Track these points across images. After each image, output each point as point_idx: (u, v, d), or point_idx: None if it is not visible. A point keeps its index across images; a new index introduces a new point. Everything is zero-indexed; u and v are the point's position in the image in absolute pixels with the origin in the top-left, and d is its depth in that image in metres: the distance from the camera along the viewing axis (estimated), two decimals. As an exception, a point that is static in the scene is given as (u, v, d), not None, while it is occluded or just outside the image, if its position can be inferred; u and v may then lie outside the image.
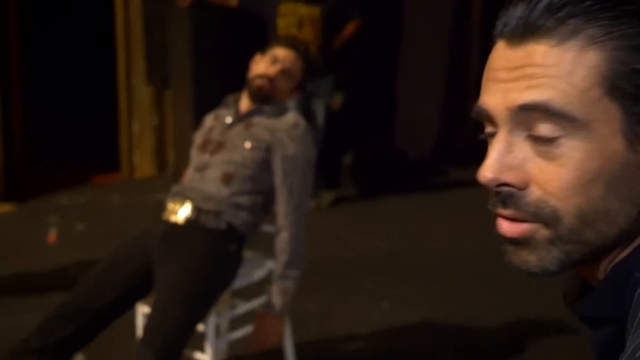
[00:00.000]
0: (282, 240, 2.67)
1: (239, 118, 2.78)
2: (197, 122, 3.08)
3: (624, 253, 0.80)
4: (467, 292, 3.96)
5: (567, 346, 3.28)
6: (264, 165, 2.69)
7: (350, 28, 5.56)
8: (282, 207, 2.68)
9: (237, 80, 3.29)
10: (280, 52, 2.82)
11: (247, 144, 2.69)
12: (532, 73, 0.77)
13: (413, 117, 6.76)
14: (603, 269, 0.81)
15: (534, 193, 0.77)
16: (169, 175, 6.69)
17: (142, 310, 2.76)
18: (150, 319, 2.44)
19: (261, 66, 2.80)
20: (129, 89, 6.82)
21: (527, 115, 0.77)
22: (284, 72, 2.80)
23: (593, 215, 0.76)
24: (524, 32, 0.78)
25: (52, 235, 4.86)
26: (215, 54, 5.79)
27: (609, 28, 0.75)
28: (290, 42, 2.91)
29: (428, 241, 4.87)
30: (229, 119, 2.80)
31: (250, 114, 2.78)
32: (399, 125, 6.83)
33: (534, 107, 0.76)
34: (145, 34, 6.65)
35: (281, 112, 2.79)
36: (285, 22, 5.27)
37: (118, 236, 4.93)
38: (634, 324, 0.74)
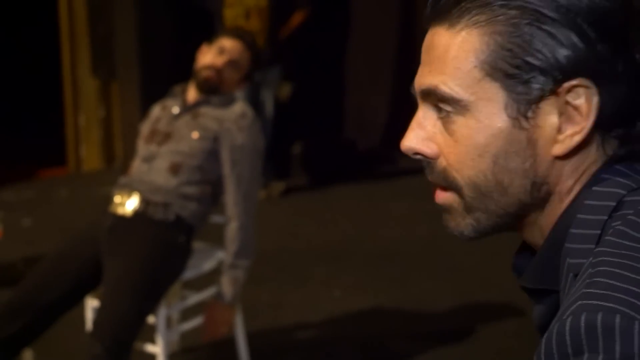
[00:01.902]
0: (232, 230, 2.66)
1: (186, 108, 2.77)
2: (145, 113, 3.05)
3: (550, 219, 0.83)
4: (417, 279, 3.99)
5: (515, 328, 3.33)
6: (212, 155, 2.68)
7: (297, 18, 5.56)
8: (230, 196, 2.67)
9: (184, 70, 3.26)
10: (227, 43, 2.81)
11: (195, 134, 2.68)
12: (432, 57, 0.84)
13: (361, 107, 6.78)
14: (538, 234, 0.85)
15: (441, 163, 0.85)
16: (117, 168, 6.61)
17: (92, 304, 2.73)
18: (99, 312, 2.42)
19: (208, 57, 2.79)
20: (74, 81, 6.71)
21: (429, 96, 0.84)
22: (231, 63, 2.79)
23: (486, 187, 0.82)
24: (432, 15, 0.84)
25: (-2, 231, 4.76)
26: (161, 45, 5.73)
27: (495, 12, 0.79)
28: (237, 33, 2.90)
29: (377, 229, 4.90)
30: (176, 109, 2.78)
31: (197, 104, 2.77)
32: (347, 115, 6.84)
33: (428, 91, 0.84)
34: (90, 25, 6.55)
35: (229, 102, 2.78)
36: (232, 13, 5.25)
37: (66, 231, 4.85)
38: (564, 293, 0.77)
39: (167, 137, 2.71)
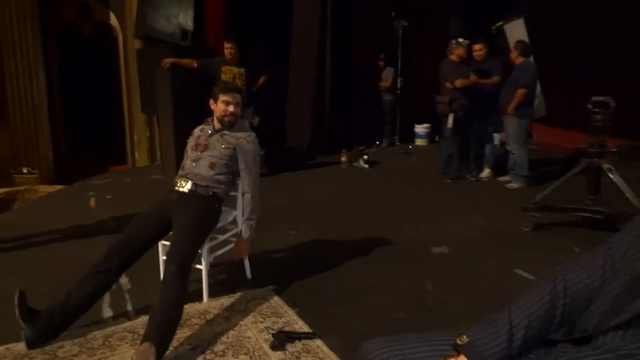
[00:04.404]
0: (247, 199, 2.63)
1: (216, 131, 2.70)
2: (176, 135, 2.79)
3: None
4: (343, 224, 3.91)
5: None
6: (232, 157, 2.63)
7: (262, 80, 5.50)
8: (245, 180, 2.64)
9: (196, 109, 3.12)
10: (230, 97, 2.65)
11: (222, 146, 2.62)
12: None
13: (297, 125, 6.77)
14: None
15: None
16: (156, 165, 6.39)
17: (163, 243, 2.63)
18: (171, 247, 2.35)
19: (221, 107, 2.64)
20: (130, 115, 6.46)
21: None
22: (237, 105, 2.68)
23: None
24: None
25: (92, 202, 4.53)
26: (184, 95, 5.56)
27: None
28: (231, 88, 2.70)
29: (311, 197, 4.90)
30: (210, 131, 2.71)
31: (222, 128, 2.69)
32: (288, 130, 6.82)
33: None
34: (140, 83, 6.29)
35: (240, 127, 2.72)
36: (224, 77, 5.15)
37: (131, 200, 4.67)
38: None
39: (206, 147, 2.65)
